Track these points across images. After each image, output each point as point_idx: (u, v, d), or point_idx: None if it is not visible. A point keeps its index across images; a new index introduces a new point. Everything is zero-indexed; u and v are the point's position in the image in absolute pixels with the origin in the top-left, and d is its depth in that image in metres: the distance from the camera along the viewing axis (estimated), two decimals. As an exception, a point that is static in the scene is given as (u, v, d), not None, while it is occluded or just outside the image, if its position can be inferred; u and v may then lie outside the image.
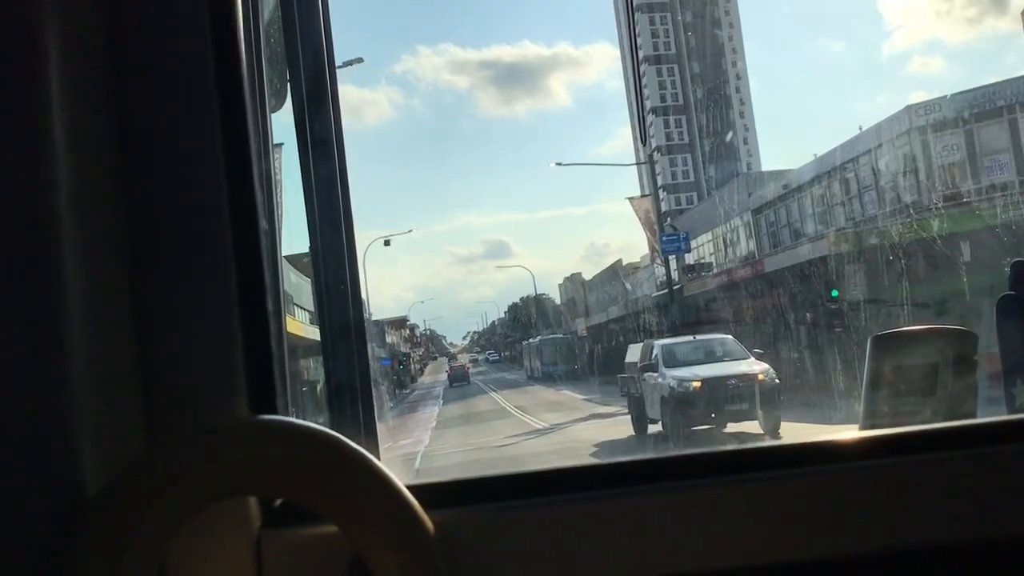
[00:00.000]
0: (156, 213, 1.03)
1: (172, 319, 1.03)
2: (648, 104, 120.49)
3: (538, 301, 76.61)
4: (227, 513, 1.02)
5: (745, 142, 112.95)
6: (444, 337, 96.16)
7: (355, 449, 0.91)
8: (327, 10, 1.44)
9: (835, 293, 18.90)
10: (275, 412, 1.09)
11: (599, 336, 43.45)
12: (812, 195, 25.07)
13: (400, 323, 72.92)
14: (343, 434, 0.95)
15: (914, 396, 1.77)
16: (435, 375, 68.63)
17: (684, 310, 27.60)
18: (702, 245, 34.31)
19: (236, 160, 1.07)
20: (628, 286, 46.83)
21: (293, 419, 0.95)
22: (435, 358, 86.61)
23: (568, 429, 20.99)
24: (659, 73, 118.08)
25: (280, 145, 1.39)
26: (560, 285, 68.32)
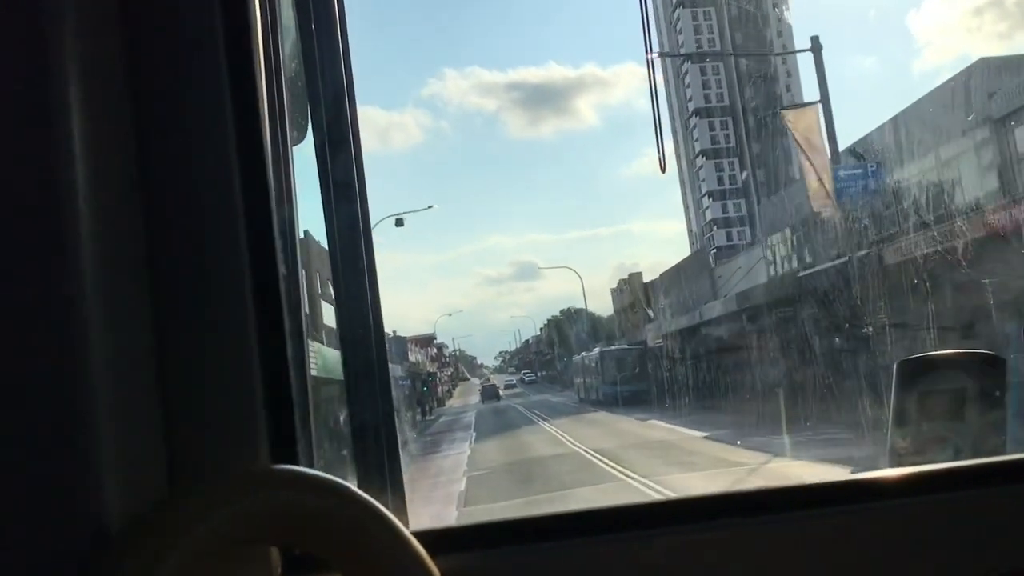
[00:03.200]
0: (177, 253, 1.02)
1: (195, 366, 1.02)
2: (691, 105, 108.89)
3: (564, 319, 65.53)
4: (248, 560, 1.02)
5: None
6: (474, 358, 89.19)
7: (360, 496, 0.92)
8: (347, 43, 1.38)
9: None
10: (295, 461, 1.08)
11: (689, 346, 30.95)
12: None
13: (426, 341, 63.88)
14: (368, 486, 1.00)
15: (942, 423, 1.69)
16: (465, 398, 59.09)
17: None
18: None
19: (256, 200, 1.05)
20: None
21: (306, 469, 0.98)
22: (465, 379, 79.43)
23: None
24: (703, 72, 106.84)
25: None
26: (613, 290, 56.05)
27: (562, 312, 74.72)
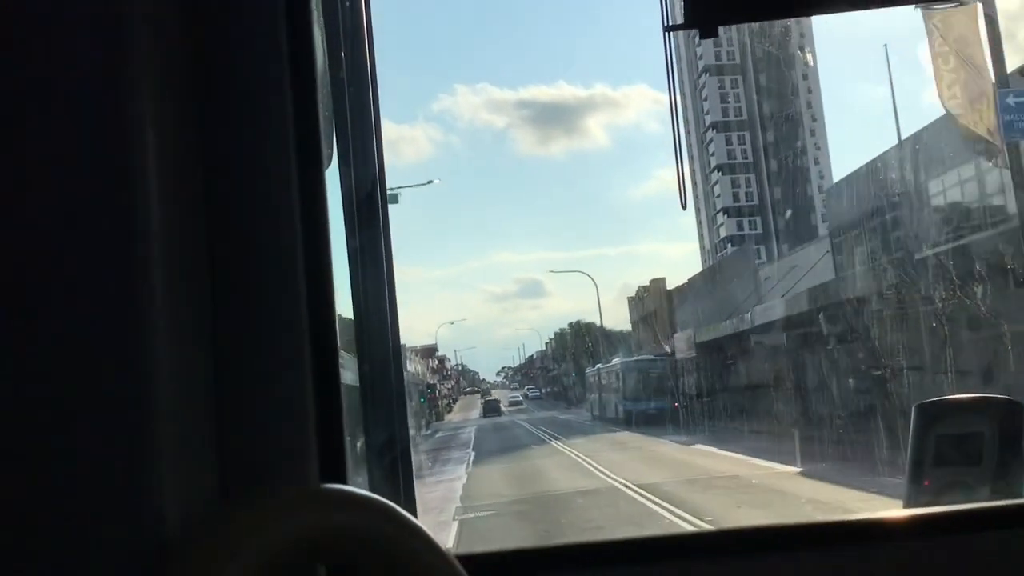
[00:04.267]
0: (236, 269, 1.04)
1: (250, 380, 1.04)
2: (708, 119, 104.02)
3: (573, 332, 60.09)
4: None
5: (816, 162, 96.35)
6: (476, 373, 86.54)
7: (407, 518, 0.93)
8: (374, 63, 1.43)
9: None
10: (343, 479, 1.10)
11: (731, 357, 25.46)
12: None
13: (428, 352, 59.48)
14: (383, 495, 0.99)
15: (960, 468, 1.67)
16: (466, 412, 55.59)
17: None
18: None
19: (313, 222, 1.08)
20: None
21: (355, 489, 0.97)
22: (466, 393, 76.20)
23: None
24: (721, 85, 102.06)
25: None
26: (631, 299, 50.52)
27: (571, 325, 69.39)
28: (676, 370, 30.90)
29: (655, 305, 43.35)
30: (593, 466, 17.11)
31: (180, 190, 0.97)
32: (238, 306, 1.03)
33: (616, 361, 32.89)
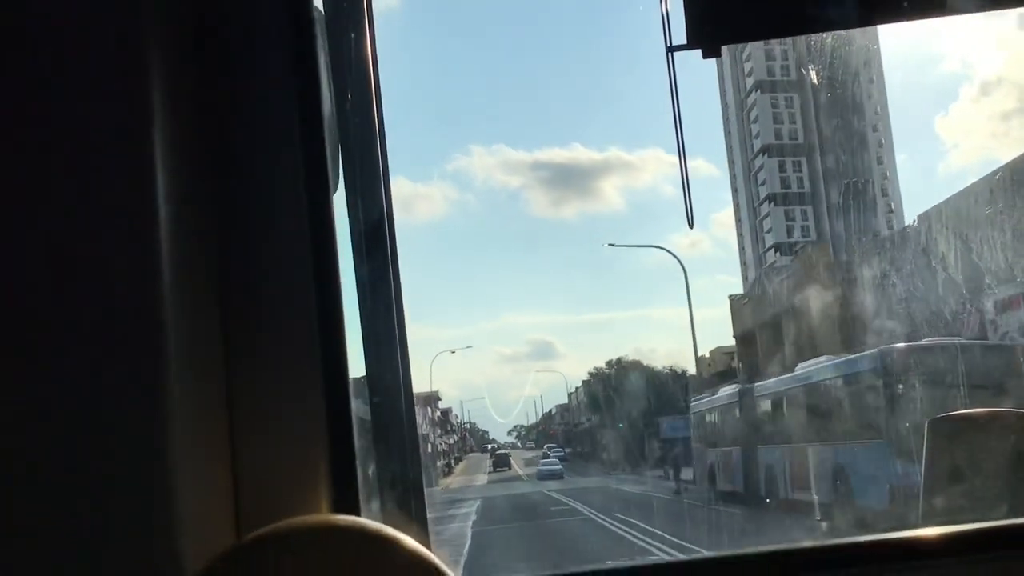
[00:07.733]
0: (248, 311, 1.04)
1: (263, 416, 1.04)
2: (758, 143, 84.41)
3: (613, 374, 40.96)
4: None
5: (884, 193, 76.64)
6: (486, 432, 69.64)
7: (421, 550, 0.93)
8: (380, 106, 1.36)
9: None
10: (356, 509, 1.09)
11: None
12: None
13: (428, 400, 39.97)
14: (396, 525, 1.03)
15: (975, 483, 1.60)
16: (470, 475, 42.29)
17: None
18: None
19: (323, 257, 1.07)
20: None
21: (368, 520, 0.97)
22: (473, 451, 61.25)
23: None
24: (774, 104, 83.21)
25: None
26: (732, 299, 29.31)
27: (610, 364, 48.97)
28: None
29: (818, 284, 22.50)
30: None
31: (193, 238, 0.94)
32: (250, 338, 0.99)
33: (874, 353, 11.57)
